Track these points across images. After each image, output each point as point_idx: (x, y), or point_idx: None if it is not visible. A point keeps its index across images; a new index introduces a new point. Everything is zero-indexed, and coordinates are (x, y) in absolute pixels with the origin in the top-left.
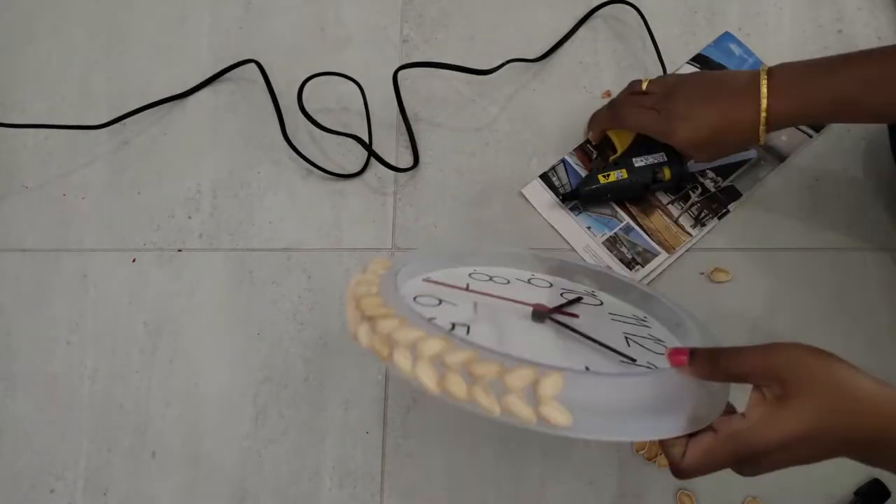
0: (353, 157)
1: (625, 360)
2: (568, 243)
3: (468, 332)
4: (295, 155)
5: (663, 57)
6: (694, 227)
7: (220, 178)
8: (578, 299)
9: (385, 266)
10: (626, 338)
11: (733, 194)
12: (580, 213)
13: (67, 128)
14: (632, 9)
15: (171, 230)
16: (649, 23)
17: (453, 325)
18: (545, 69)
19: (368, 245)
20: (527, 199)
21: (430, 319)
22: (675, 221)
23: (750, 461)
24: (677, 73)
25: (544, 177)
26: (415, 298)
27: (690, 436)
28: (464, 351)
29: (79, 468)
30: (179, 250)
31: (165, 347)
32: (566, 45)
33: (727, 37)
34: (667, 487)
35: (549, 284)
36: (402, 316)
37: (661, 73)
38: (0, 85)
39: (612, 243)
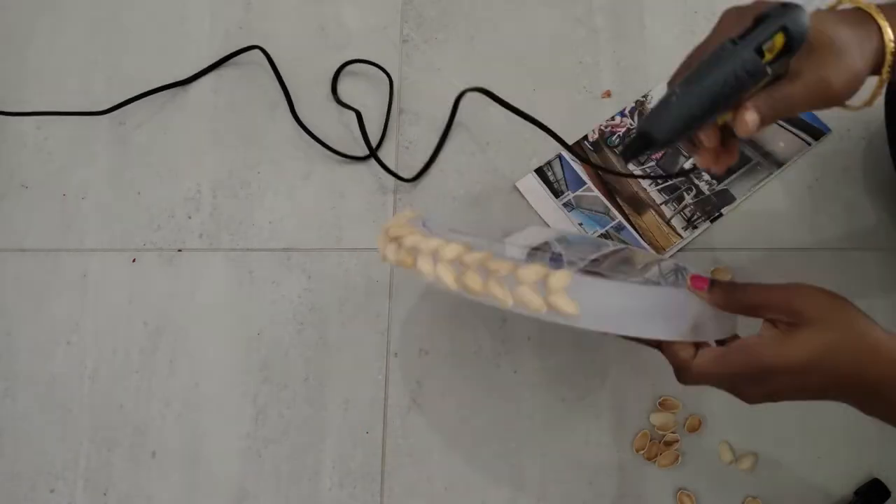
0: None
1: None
2: None
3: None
4: (296, 155)
5: (664, 58)
6: (686, 228)
7: (220, 178)
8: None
9: (412, 215)
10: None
11: (727, 198)
12: (573, 209)
13: (69, 114)
14: (633, 9)
15: (171, 230)
16: (649, 22)
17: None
18: (545, 69)
19: (368, 245)
20: (521, 194)
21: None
22: (668, 222)
23: (756, 377)
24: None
25: (539, 171)
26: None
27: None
28: (480, 252)
29: (79, 468)
30: (179, 250)
31: (165, 347)
32: (566, 44)
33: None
34: (667, 487)
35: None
36: (424, 232)
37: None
38: (1, 82)
39: None
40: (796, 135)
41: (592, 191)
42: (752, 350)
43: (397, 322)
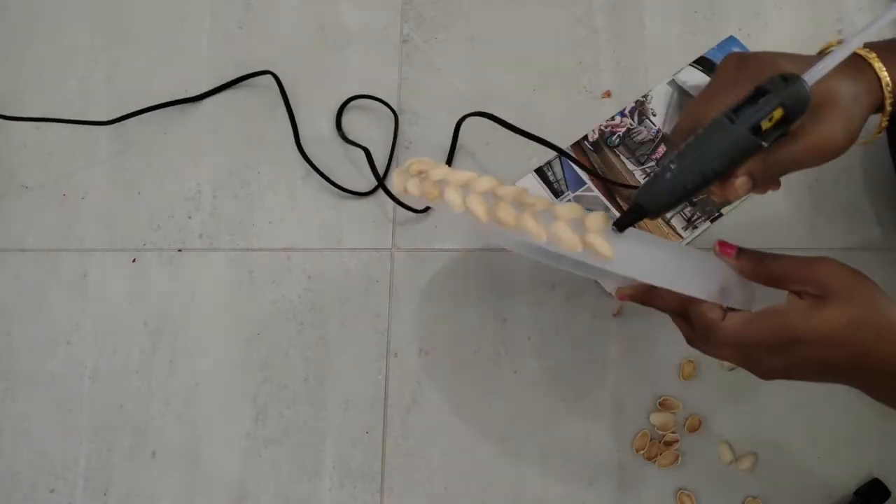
0: (362, 174)
1: None
2: None
3: None
4: (295, 155)
5: (664, 58)
6: (686, 228)
7: (220, 178)
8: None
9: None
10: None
11: None
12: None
13: (74, 122)
14: (633, 9)
15: (171, 230)
16: (649, 22)
17: None
18: (545, 69)
19: (368, 245)
20: None
21: None
22: (668, 222)
23: (781, 347)
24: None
25: (539, 171)
26: None
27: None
28: (514, 187)
29: (79, 468)
30: (179, 250)
31: (165, 347)
32: (566, 44)
33: (731, 41)
34: (667, 487)
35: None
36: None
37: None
38: (1, 84)
39: None
40: None
41: (592, 191)
42: (783, 317)
43: (397, 322)
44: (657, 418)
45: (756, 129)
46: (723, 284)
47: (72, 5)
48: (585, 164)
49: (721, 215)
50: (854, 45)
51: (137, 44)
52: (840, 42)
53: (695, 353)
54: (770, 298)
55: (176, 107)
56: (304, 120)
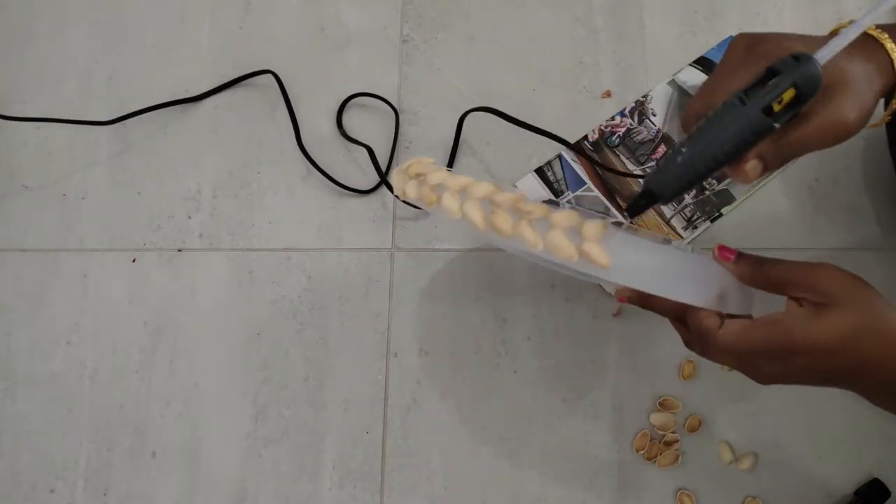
0: (363, 171)
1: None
2: None
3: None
4: (295, 155)
5: (664, 58)
6: (686, 228)
7: (220, 178)
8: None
9: (432, 160)
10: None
11: (727, 198)
12: (572, 207)
13: (74, 122)
14: (633, 9)
15: (171, 230)
16: (649, 22)
17: None
18: (545, 69)
19: (368, 245)
20: None
21: None
22: (668, 222)
23: (780, 355)
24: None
25: (539, 171)
26: None
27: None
28: (511, 193)
29: (79, 468)
30: (179, 250)
31: (165, 347)
32: (566, 44)
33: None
34: (667, 487)
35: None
36: (450, 171)
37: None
38: (1, 83)
39: None
40: None
41: (592, 191)
42: (782, 326)
43: (397, 322)
44: (657, 418)
45: (768, 111)
46: (721, 290)
47: (72, 5)
48: (597, 160)
49: (721, 215)
50: (866, 23)
51: (137, 43)
52: (851, 23)
53: (695, 354)
54: (769, 302)
55: (176, 107)
56: (305, 120)
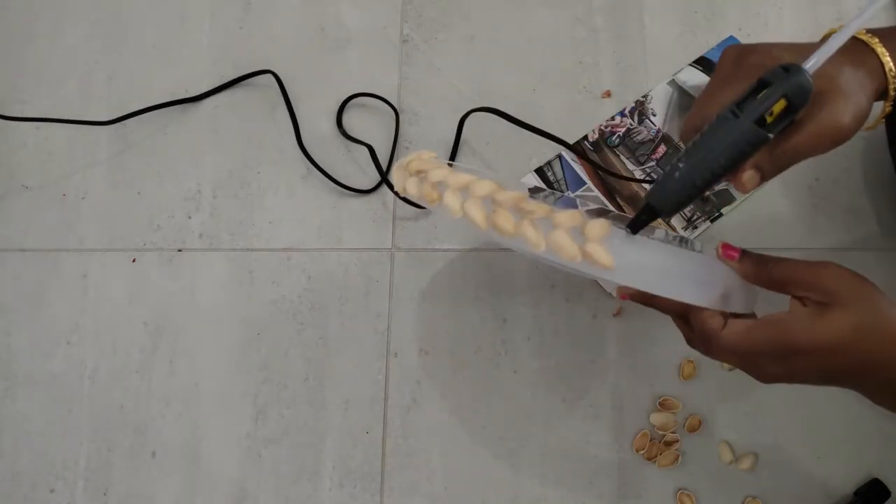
0: (363, 171)
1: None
2: None
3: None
4: (295, 155)
5: (664, 58)
6: (686, 228)
7: (220, 178)
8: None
9: (433, 155)
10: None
11: (727, 198)
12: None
13: (74, 122)
14: (633, 9)
15: (171, 230)
16: (649, 22)
17: None
18: (545, 69)
19: (368, 245)
20: None
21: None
22: (668, 222)
23: (783, 355)
24: (683, 79)
25: (539, 171)
26: None
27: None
28: (514, 192)
29: (79, 468)
30: (179, 250)
31: (165, 347)
32: (566, 44)
33: (731, 41)
34: (667, 487)
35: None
36: (452, 167)
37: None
38: (1, 83)
39: None
40: None
41: (592, 191)
42: (784, 326)
43: (397, 322)
44: (657, 418)
45: (761, 122)
46: (724, 289)
47: (72, 5)
48: (596, 163)
49: (721, 215)
50: (852, 29)
51: (137, 43)
52: (841, 28)
53: (695, 354)
54: (772, 300)
55: (176, 107)
56: (305, 120)
